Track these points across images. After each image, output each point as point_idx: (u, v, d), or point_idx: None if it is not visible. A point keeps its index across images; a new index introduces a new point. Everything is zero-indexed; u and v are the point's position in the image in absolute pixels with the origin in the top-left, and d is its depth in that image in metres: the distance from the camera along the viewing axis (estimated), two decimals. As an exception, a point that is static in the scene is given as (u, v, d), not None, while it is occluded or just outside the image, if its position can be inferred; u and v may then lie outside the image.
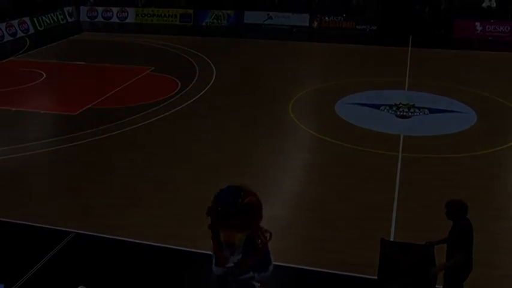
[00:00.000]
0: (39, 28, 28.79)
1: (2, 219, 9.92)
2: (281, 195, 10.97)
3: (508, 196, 11.10)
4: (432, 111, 15.72)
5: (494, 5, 26.89)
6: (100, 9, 31.62)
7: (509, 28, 26.12)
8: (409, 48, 23.63)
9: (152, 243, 9.04)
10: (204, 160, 12.52)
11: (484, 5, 27.02)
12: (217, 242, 5.62)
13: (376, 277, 7.01)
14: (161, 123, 14.93)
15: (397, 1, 27.52)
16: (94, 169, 12.15)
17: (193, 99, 16.86)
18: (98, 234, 9.40)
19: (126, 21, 31.03)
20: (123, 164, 12.38)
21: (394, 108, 15.87)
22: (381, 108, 15.94)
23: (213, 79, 19.04)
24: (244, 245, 5.48)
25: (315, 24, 28.45)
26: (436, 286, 6.78)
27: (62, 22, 30.53)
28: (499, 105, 16.38)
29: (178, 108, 16.10)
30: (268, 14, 28.86)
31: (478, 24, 26.36)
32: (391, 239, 8.97)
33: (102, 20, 31.45)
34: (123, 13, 31.22)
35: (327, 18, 28.34)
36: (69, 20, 31.18)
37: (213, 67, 20.57)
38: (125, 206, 10.44)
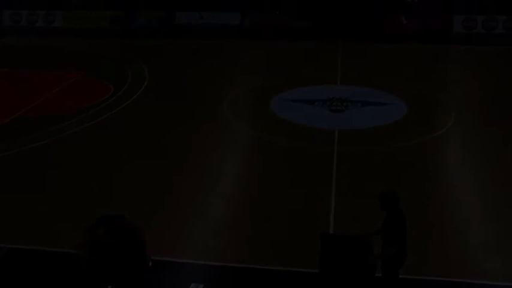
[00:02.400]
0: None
1: None
2: (219, 195, 10.96)
3: (440, 184, 11.53)
4: (365, 104, 16.12)
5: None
6: (24, 12, 30.46)
7: (433, 21, 27.06)
8: (341, 43, 24.07)
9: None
10: (136, 165, 12.31)
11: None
12: None
13: (317, 271, 7.13)
14: (93, 130, 14.58)
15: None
16: (23, 180, 11.74)
17: (126, 104, 16.55)
18: (27, 247, 9.13)
19: (53, 25, 30.07)
20: (53, 174, 12.02)
21: (328, 103, 16.17)
22: (315, 103, 16.20)
23: (146, 82, 18.75)
24: None
25: (248, 22, 28.55)
26: (376, 275, 6.97)
27: (-17, 27, 29.25)
28: (427, 95, 16.98)
29: (111, 113, 15.76)
30: (199, 14, 28.70)
31: (403, 18, 27.18)
32: (331, 232, 9.15)
33: (27, 24, 30.34)
34: (50, 16, 30.25)
35: (259, 15, 28.48)
36: (-9, 25, 29.90)
37: (146, 70, 20.26)
38: (55, 217, 10.15)
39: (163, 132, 14.26)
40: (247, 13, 28.46)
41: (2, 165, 12.56)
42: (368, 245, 7.07)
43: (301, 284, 7.94)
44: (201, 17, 28.67)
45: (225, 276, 8.39)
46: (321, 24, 27.06)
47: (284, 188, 11.17)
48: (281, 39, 25.19)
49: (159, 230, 8.95)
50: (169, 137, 13.97)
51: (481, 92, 17.27)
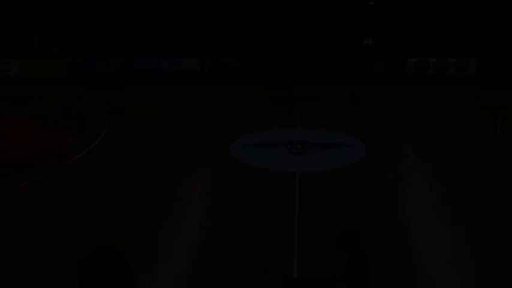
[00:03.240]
0: None
1: None
2: (179, 240, 10.80)
3: (401, 222, 11.65)
4: (324, 146, 16.31)
5: (372, 42, 28.69)
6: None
7: (388, 63, 27.85)
8: (300, 86, 24.44)
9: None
10: (91, 216, 12.05)
11: (364, 42, 28.75)
12: None
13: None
14: (49, 180, 14.23)
15: (283, 44, 28.55)
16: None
17: (84, 152, 16.28)
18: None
19: (9, 73, 29.62)
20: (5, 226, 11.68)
21: (288, 146, 16.29)
22: (275, 147, 16.30)
23: (105, 129, 18.54)
24: None
25: (206, 68, 28.80)
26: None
27: None
28: (385, 136, 17.30)
29: (69, 162, 15.49)
30: (158, 60, 28.80)
31: (359, 60, 27.88)
32: (295, 276, 9.08)
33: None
34: (5, 65, 29.83)
35: (217, 61, 28.77)
36: None
37: (105, 117, 20.06)
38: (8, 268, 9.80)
39: (123, 181, 14.05)
40: (207, 59, 28.75)
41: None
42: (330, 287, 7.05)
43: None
44: (160, 63, 28.77)
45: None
46: (279, 68, 27.53)
47: (247, 231, 11.09)
48: (241, 84, 25.47)
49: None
50: (129, 185, 13.78)
51: (436, 131, 17.75)
